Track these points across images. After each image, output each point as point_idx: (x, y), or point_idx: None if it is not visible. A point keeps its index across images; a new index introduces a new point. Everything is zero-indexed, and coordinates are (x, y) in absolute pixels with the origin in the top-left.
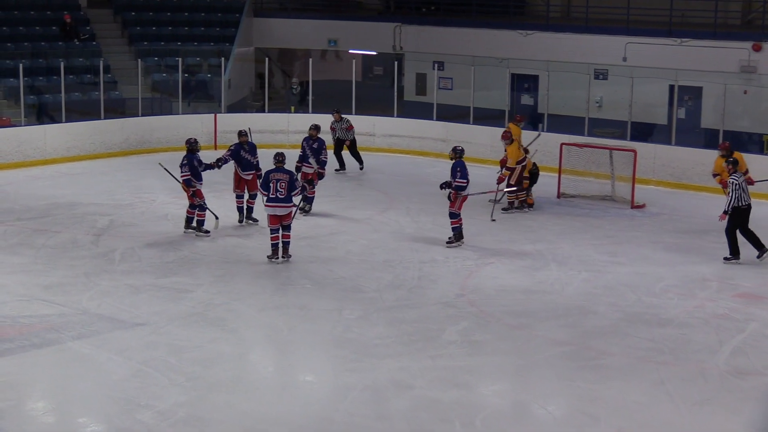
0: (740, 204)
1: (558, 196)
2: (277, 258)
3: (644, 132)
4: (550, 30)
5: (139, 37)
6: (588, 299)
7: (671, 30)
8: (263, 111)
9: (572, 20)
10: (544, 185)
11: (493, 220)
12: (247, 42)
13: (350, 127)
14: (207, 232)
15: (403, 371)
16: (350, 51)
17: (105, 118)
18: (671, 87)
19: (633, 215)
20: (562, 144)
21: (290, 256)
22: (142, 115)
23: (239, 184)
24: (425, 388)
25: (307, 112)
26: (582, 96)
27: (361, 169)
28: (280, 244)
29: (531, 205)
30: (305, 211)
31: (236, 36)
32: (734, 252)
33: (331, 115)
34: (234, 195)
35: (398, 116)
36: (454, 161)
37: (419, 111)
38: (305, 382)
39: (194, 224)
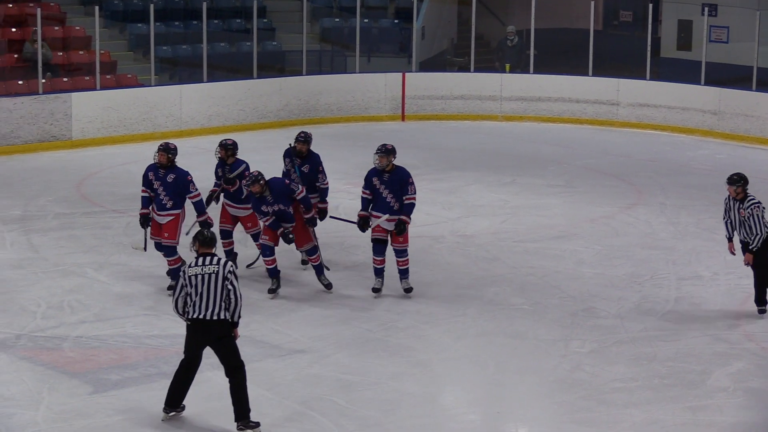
0: None
1: None
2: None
3: None
4: None
5: None
6: None
7: None
8: (468, 70)
9: None
10: None
11: None
12: None
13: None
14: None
15: (653, 427)
16: None
17: (258, 77)
18: None
19: None
20: None
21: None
22: (308, 74)
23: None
24: None
25: (527, 72)
26: None
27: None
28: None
29: None
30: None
31: None
32: None
33: None
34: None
35: (652, 79)
36: None
37: (681, 72)
38: None
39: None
